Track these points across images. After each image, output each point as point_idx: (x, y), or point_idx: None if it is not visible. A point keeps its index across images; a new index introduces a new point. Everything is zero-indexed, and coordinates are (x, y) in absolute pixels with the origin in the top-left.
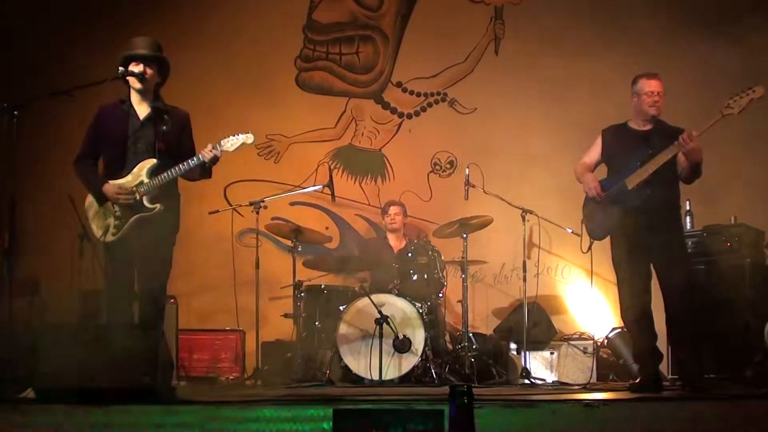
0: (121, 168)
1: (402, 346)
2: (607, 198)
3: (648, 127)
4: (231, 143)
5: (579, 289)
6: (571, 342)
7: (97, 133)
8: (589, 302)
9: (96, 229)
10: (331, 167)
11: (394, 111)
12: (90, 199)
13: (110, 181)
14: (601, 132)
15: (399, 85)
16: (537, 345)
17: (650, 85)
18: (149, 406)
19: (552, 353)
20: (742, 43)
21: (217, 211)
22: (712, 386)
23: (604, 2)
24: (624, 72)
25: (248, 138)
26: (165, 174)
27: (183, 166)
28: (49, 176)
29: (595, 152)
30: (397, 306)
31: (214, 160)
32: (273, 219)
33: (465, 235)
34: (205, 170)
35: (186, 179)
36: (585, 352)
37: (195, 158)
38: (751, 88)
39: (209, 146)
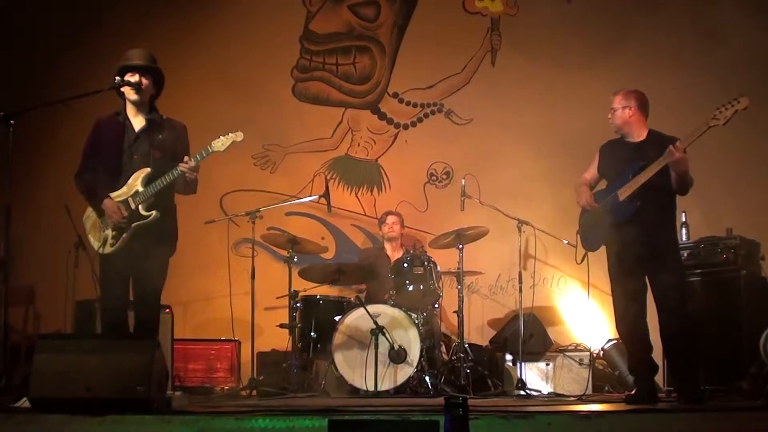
0: (118, 180)
1: (397, 356)
2: (601, 209)
3: (641, 138)
4: (221, 143)
5: (575, 300)
6: (567, 353)
7: (95, 146)
8: (584, 313)
9: (94, 242)
10: (328, 177)
11: (390, 121)
12: (88, 212)
13: (111, 196)
14: (599, 148)
15: (395, 95)
16: (533, 356)
17: (612, 102)
18: (144, 416)
19: (548, 364)
20: (737, 54)
21: (213, 221)
22: (708, 398)
23: (600, 13)
24: (620, 82)
25: (237, 136)
26: (159, 181)
27: (175, 172)
28: (44, 185)
29: (593, 168)
30: (393, 316)
31: (194, 169)
32: (269, 229)
33: (461, 246)
34: (188, 184)
35: (177, 193)
36: (581, 364)
37: (176, 170)
38: (736, 99)
39: (186, 158)
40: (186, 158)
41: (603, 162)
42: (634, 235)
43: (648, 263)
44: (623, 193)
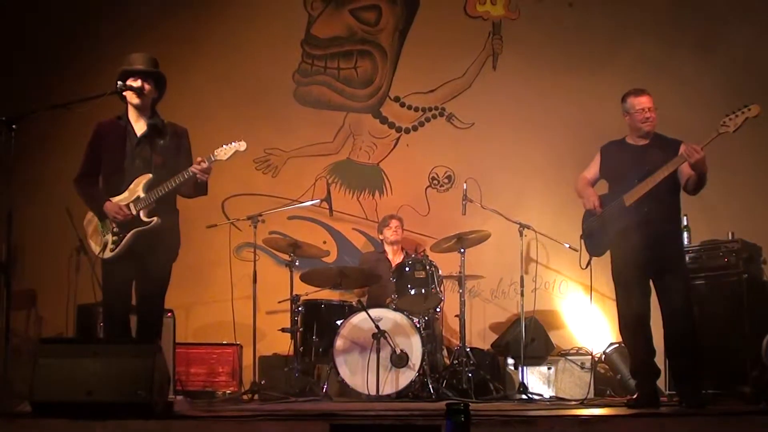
0: (119, 184)
1: (399, 361)
2: (605, 214)
3: (645, 141)
4: (224, 152)
5: (577, 304)
6: (569, 357)
7: (95, 150)
8: (586, 317)
9: (94, 246)
10: (329, 181)
11: (392, 126)
12: (89, 217)
13: (111, 200)
14: (600, 149)
15: (397, 99)
16: (534, 360)
17: (640, 102)
18: (146, 420)
19: (549, 368)
20: (735, 59)
21: (215, 225)
22: (710, 402)
23: (602, 17)
24: (622, 87)
25: (241, 145)
26: (161, 188)
27: (178, 179)
28: (46, 189)
29: (594, 168)
30: (395, 320)
31: (206, 171)
32: (270, 233)
33: (462, 250)
34: (199, 186)
35: (183, 196)
36: (582, 368)
37: (187, 171)
38: (746, 106)
39: (199, 159)
40: (199, 159)
41: (605, 163)
42: (641, 240)
43: (654, 267)
44: (629, 199)
